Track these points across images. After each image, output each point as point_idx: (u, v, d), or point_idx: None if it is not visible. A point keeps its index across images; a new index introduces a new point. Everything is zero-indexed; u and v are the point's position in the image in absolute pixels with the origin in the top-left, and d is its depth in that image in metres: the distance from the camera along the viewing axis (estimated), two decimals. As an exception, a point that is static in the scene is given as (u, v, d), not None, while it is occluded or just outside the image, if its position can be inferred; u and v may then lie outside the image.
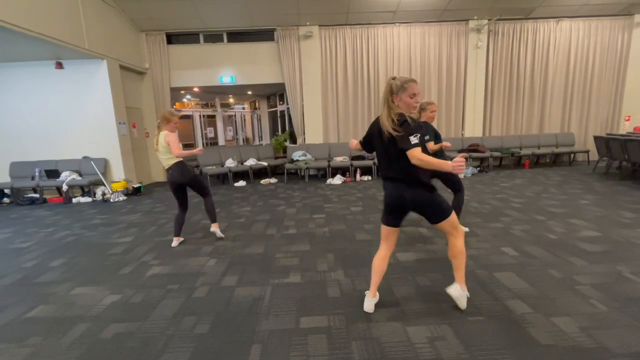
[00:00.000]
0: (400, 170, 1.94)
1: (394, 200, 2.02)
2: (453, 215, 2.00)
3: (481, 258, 2.89)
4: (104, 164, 6.44)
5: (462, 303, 2.11)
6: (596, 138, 6.74)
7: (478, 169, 7.43)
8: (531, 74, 7.99)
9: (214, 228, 3.69)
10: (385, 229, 2.12)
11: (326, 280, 2.62)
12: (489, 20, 7.54)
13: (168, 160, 3.38)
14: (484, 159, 7.65)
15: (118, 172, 6.55)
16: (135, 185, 6.51)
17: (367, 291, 2.23)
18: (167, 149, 3.32)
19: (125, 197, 6.15)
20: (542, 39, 7.82)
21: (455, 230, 2.04)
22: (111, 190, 6.14)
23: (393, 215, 2.06)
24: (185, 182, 3.46)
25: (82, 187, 6.39)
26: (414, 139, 1.80)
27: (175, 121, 3.41)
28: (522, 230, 3.57)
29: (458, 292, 2.10)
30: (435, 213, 1.98)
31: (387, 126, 1.87)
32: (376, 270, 2.15)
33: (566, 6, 7.26)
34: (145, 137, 7.79)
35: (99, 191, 6.19)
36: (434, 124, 3.44)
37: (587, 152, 8.01)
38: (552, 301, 2.19)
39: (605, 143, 6.39)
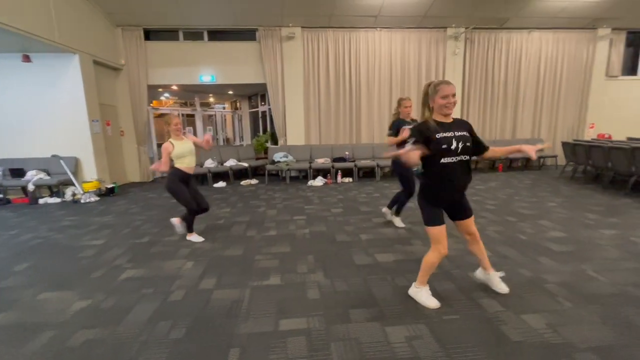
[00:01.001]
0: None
1: None
2: (432, 229, 2.10)
3: (457, 258, 2.98)
4: (75, 163, 6.15)
5: (423, 299, 2.26)
6: (564, 144, 7.12)
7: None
8: (505, 82, 8.34)
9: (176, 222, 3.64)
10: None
11: (306, 282, 2.62)
12: (465, 28, 7.82)
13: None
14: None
15: (90, 172, 6.26)
16: (109, 186, 6.26)
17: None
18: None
19: (97, 198, 5.89)
20: (515, 48, 8.19)
21: (432, 244, 2.14)
22: (82, 190, 5.86)
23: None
24: (166, 187, 3.49)
25: (50, 187, 6.07)
26: (407, 146, 1.95)
27: (175, 122, 3.36)
28: (495, 231, 3.71)
29: (412, 290, 2.33)
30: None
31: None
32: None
33: (537, 18, 7.64)
34: (120, 136, 7.50)
35: (68, 191, 5.90)
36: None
37: (555, 157, 8.44)
38: (522, 299, 2.28)
39: (572, 149, 6.77)
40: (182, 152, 3.37)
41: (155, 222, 4.42)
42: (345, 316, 2.14)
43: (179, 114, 9.15)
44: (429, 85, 2.03)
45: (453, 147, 1.98)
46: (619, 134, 8.52)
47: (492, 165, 8.55)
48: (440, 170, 2.02)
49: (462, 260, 2.95)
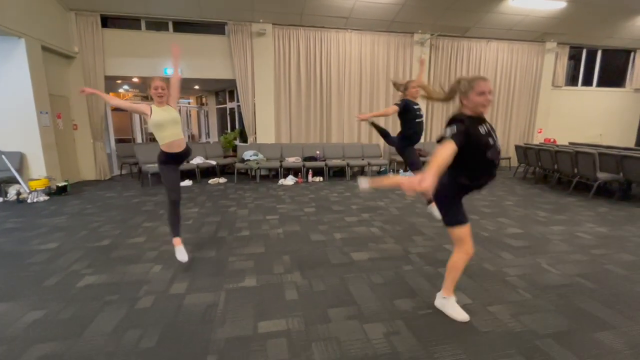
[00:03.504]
0: None
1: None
2: (457, 229, 1.96)
3: (427, 255, 3.12)
4: (20, 159, 5.55)
5: (450, 311, 2.12)
6: (516, 147, 7.72)
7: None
8: (466, 87, 8.83)
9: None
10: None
11: (283, 283, 2.59)
12: (431, 35, 8.17)
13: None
14: (426, 162, 8.24)
15: (38, 169, 5.69)
16: (60, 184, 5.72)
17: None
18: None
19: (47, 197, 5.36)
20: (475, 56, 8.71)
21: (457, 244, 2.01)
22: (28, 189, 5.31)
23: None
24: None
25: (-12, 186, 5.43)
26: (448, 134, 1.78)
27: (155, 86, 2.73)
28: (460, 228, 3.92)
29: (439, 301, 2.19)
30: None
31: None
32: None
33: (494, 29, 8.18)
34: (73, 130, 6.90)
35: (12, 190, 5.31)
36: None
37: (509, 159, 9.11)
38: (487, 292, 2.44)
39: (523, 151, 7.35)
40: (160, 120, 2.72)
41: (116, 223, 4.12)
42: (325, 316, 2.15)
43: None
44: (459, 82, 1.88)
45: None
46: (563, 138, 9.40)
47: (454, 166, 9.00)
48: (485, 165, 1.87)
49: (432, 256, 3.08)
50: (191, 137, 11.38)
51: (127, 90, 10.35)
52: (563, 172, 6.19)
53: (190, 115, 11.50)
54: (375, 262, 2.97)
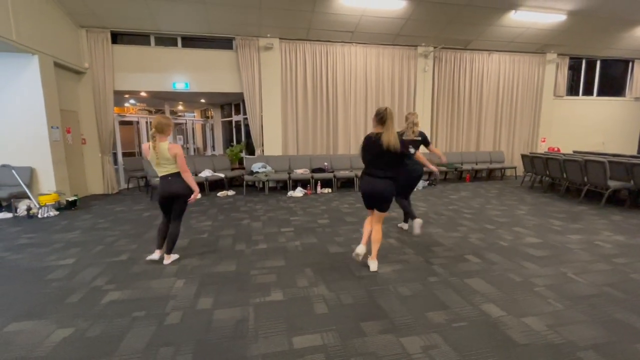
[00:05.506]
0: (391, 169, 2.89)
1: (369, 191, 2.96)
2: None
3: (450, 266, 3.10)
4: (30, 174, 5.53)
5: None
6: (523, 156, 7.77)
7: (428, 182, 8.02)
8: (469, 98, 8.96)
9: (167, 260, 3.24)
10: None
11: (310, 296, 2.56)
12: (434, 47, 8.33)
13: (166, 170, 3.11)
14: (432, 172, 8.27)
15: (48, 184, 5.67)
16: (70, 199, 5.70)
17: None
18: (170, 160, 3.08)
19: (57, 212, 5.33)
20: (478, 67, 8.86)
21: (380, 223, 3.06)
22: (38, 204, 5.28)
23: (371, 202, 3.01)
24: (183, 193, 3.15)
25: (-2, 201, 5.40)
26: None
27: (172, 125, 3.21)
28: (478, 238, 3.91)
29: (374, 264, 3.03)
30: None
31: (394, 143, 2.78)
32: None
33: (496, 41, 8.36)
34: (82, 144, 6.91)
35: (22, 205, 5.27)
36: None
37: (515, 168, 9.16)
38: (518, 303, 2.42)
39: (530, 160, 7.40)
40: None
41: (131, 237, 4.09)
42: (358, 330, 2.12)
43: (147, 122, 8.66)
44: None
45: None
46: (566, 147, 9.48)
47: (460, 176, 9.06)
48: None
49: (455, 267, 3.06)
50: (196, 151, 11.41)
51: (133, 104, 10.42)
52: (572, 181, 6.22)
53: (195, 128, 11.56)
54: (399, 274, 2.94)
